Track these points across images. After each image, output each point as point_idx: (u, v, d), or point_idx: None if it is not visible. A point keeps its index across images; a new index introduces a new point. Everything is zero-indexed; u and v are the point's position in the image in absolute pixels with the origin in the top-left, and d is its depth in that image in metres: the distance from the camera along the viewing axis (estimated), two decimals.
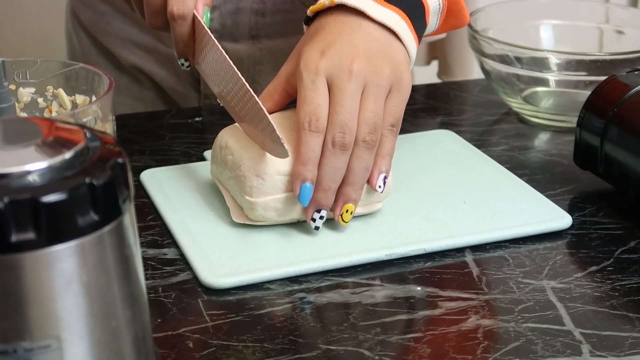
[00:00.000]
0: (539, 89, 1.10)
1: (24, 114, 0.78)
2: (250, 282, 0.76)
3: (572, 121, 1.06)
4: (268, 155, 0.80)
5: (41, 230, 0.51)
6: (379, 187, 0.82)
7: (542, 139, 1.06)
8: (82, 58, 1.19)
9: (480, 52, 1.09)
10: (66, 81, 0.79)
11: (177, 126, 1.06)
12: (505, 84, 1.08)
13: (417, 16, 0.86)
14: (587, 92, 1.05)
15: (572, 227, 0.85)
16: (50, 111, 0.79)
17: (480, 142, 1.02)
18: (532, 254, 0.81)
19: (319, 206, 0.80)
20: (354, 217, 0.83)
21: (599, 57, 1.03)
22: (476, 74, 1.27)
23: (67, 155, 0.53)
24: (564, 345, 0.69)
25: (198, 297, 0.75)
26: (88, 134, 0.56)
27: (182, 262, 0.79)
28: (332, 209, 0.81)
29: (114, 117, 0.74)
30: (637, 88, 0.88)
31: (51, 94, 0.80)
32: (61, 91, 0.79)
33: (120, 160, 0.55)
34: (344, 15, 0.84)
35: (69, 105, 0.79)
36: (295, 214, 0.81)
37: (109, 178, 0.53)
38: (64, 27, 1.25)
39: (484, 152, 0.98)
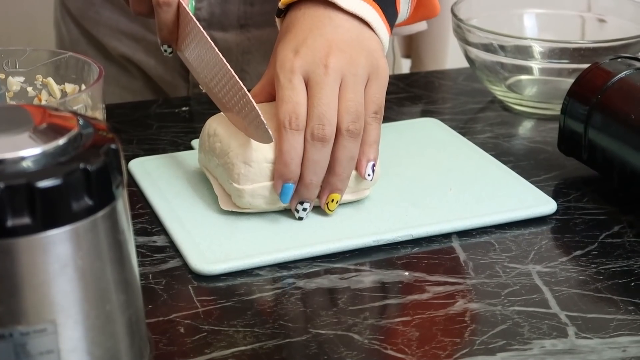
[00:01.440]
0: (523, 77, 1.11)
1: (13, 103, 0.79)
2: (239, 269, 0.77)
3: (555, 109, 1.07)
4: (256, 142, 0.81)
5: (36, 215, 0.51)
6: (368, 175, 0.83)
7: (526, 127, 1.07)
8: (70, 48, 1.19)
9: (465, 41, 1.10)
10: (55, 70, 0.79)
11: (165, 115, 1.06)
12: (490, 72, 1.09)
13: (388, 4, 0.87)
14: (571, 80, 1.06)
15: (556, 212, 0.86)
16: (40, 100, 0.79)
17: (465, 129, 1.03)
18: (518, 239, 0.82)
19: (302, 199, 0.81)
20: (342, 204, 0.84)
21: (582, 45, 1.04)
22: (449, 64, 1.28)
23: (61, 141, 0.54)
24: (550, 327, 0.71)
25: (188, 283, 0.76)
26: (81, 121, 0.56)
27: (172, 249, 0.80)
28: (319, 198, 0.82)
29: (103, 106, 0.75)
30: (620, 75, 0.89)
31: (40, 82, 0.80)
32: (51, 80, 0.79)
33: (113, 146, 0.55)
34: (314, 9, 0.84)
35: (58, 94, 0.79)
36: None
37: (103, 163, 0.54)
38: (52, 17, 1.25)
39: (469, 139, 0.99)
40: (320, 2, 0.84)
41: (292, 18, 0.85)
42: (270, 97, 0.86)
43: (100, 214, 0.54)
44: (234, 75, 0.80)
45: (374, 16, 0.85)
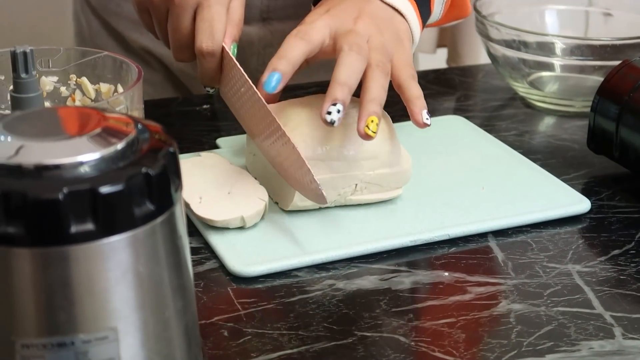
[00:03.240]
0: (545, 73, 1.10)
1: (47, 103, 0.78)
2: (277, 270, 0.76)
3: (577, 105, 1.07)
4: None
5: (99, 221, 0.50)
6: (426, 119, 0.81)
7: (549, 124, 1.06)
8: (90, 40, 1.18)
9: (487, 37, 1.09)
10: (90, 69, 0.78)
11: (186, 114, 1.05)
12: (512, 68, 1.09)
13: (423, 2, 0.87)
14: (593, 77, 1.07)
15: (590, 211, 0.86)
16: (74, 100, 0.78)
17: (489, 127, 1.03)
18: (554, 238, 0.82)
19: (334, 100, 0.79)
20: (375, 203, 0.83)
21: (607, 42, 1.04)
22: (483, 59, 1.28)
23: (119, 145, 0.53)
24: (596, 328, 0.70)
25: (227, 285, 0.75)
26: (138, 124, 0.55)
27: (207, 250, 0.79)
28: (357, 124, 0.79)
29: (142, 106, 0.74)
30: None
31: (74, 82, 0.79)
32: (85, 80, 0.78)
33: (171, 149, 0.54)
34: None
35: (92, 93, 0.78)
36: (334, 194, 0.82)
37: (163, 168, 0.53)
38: (72, 9, 1.24)
39: (495, 137, 0.99)
40: None
41: (330, 0, 0.86)
42: (306, 64, 0.85)
43: (160, 219, 0.53)
44: (285, 134, 0.79)
45: (409, 9, 0.85)
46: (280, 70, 0.80)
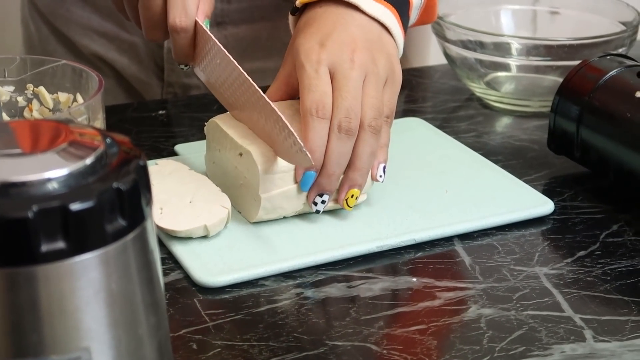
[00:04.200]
0: (501, 74, 1.10)
1: (3, 114, 0.76)
2: (244, 280, 0.75)
3: (534, 105, 1.07)
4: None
5: (70, 239, 0.49)
6: (380, 176, 0.82)
7: (507, 124, 1.06)
8: (39, 47, 1.16)
9: (444, 38, 1.09)
10: (48, 78, 0.76)
11: (142, 120, 1.03)
12: (469, 69, 1.09)
13: (403, 12, 0.87)
14: (549, 77, 1.07)
15: (553, 212, 0.86)
16: (31, 110, 0.76)
17: (448, 128, 1.02)
18: (520, 241, 0.82)
19: (322, 191, 0.80)
20: (339, 210, 0.83)
21: (565, 42, 1.04)
22: (431, 60, 1.28)
23: (88, 160, 0.51)
24: (567, 331, 0.70)
25: (193, 296, 0.74)
26: (106, 137, 0.54)
27: (171, 260, 0.78)
28: (337, 194, 0.81)
29: (104, 115, 0.72)
30: (611, 73, 0.89)
31: (31, 92, 0.77)
32: (42, 89, 0.76)
33: (141, 162, 0.53)
34: (336, 8, 0.84)
35: (50, 103, 0.76)
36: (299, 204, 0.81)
37: (134, 182, 0.51)
38: (19, 15, 1.21)
39: (455, 138, 0.98)
40: (341, 3, 0.84)
41: (312, 15, 0.84)
42: (287, 96, 0.85)
43: (132, 234, 0.52)
44: (263, 97, 0.78)
45: (393, 22, 0.85)
46: (315, 168, 0.79)
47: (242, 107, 0.82)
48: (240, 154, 0.81)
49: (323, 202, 0.80)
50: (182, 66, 0.86)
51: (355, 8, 0.84)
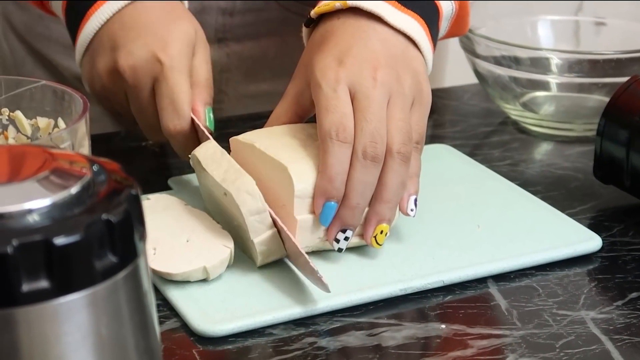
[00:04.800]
0: (539, 93, 1.12)
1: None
2: (249, 328, 0.76)
3: (577, 129, 1.09)
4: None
5: (54, 277, 0.50)
6: (411, 210, 0.83)
7: (548, 151, 1.08)
8: (14, 69, 1.18)
9: (473, 53, 1.11)
10: (26, 101, 0.78)
11: (131, 150, 1.05)
12: (502, 88, 1.10)
13: (432, 22, 0.88)
14: (595, 96, 1.08)
15: (601, 249, 0.87)
16: (6, 137, 0.78)
17: (480, 156, 1.04)
18: (563, 282, 0.83)
19: (344, 225, 0.81)
20: (359, 247, 0.84)
21: (612, 56, 1.05)
22: (449, 79, 1.29)
23: (73, 189, 0.53)
24: None
25: (192, 347, 0.75)
26: (93, 163, 0.55)
27: (166, 307, 0.79)
28: (364, 231, 0.82)
29: (89, 142, 0.74)
30: None
31: (7, 117, 0.79)
32: (19, 114, 0.78)
33: (133, 191, 0.54)
34: (356, 19, 0.85)
35: (28, 130, 0.78)
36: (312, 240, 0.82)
37: (125, 213, 0.53)
38: None
39: (487, 167, 1.00)
40: (362, 13, 0.85)
41: (329, 27, 0.86)
42: (297, 117, 0.87)
43: (124, 272, 0.53)
44: (277, 220, 0.80)
45: (421, 34, 0.86)
46: (335, 198, 0.80)
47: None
48: (225, 194, 0.82)
49: (346, 238, 0.81)
50: (189, 159, 0.89)
51: (378, 19, 0.85)
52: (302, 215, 0.81)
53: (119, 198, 0.53)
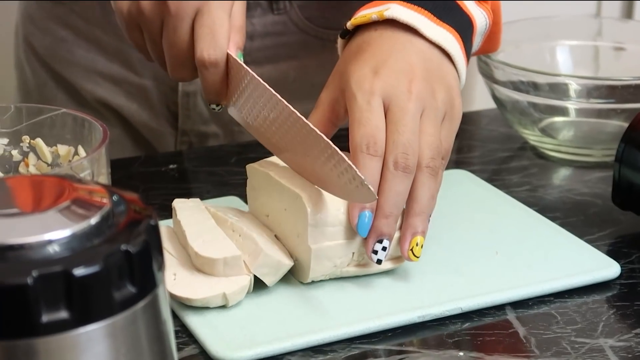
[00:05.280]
0: (558, 118, 1.12)
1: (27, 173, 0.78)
2: (268, 355, 0.76)
3: (596, 154, 1.09)
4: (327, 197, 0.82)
5: (74, 308, 0.50)
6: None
7: (566, 176, 1.08)
8: (36, 93, 1.19)
9: (492, 79, 1.11)
10: (46, 129, 0.78)
11: (150, 175, 1.06)
12: (521, 114, 1.10)
13: (467, 37, 0.89)
14: (614, 122, 1.08)
15: (620, 276, 0.87)
16: (27, 164, 0.78)
17: (499, 182, 1.04)
18: (582, 309, 0.83)
19: (380, 235, 0.81)
20: (375, 275, 0.84)
21: (631, 82, 1.05)
22: (478, 104, 1.29)
23: (93, 219, 0.53)
24: None
25: None
26: (112, 194, 0.56)
27: (185, 333, 0.79)
28: (400, 245, 0.83)
29: (109, 170, 0.74)
30: None
31: (27, 144, 0.80)
32: (40, 141, 0.78)
33: (152, 222, 0.55)
34: (392, 31, 0.86)
35: (49, 157, 0.78)
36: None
37: (144, 244, 0.53)
38: (13, 57, 1.24)
39: (506, 193, 1.00)
40: (399, 25, 0.86)
41: (366, 38, 0.87)
42: (332, 125, 0.87)
43: (143, 302, 0.53)
44: (314, 130, 0.79)
45: (456, 48, 0.87)
46: (370, 207, 0.81)
47: (288, 147, 0.83)
48: (285, 209, 0.83)
49: (384, 248, 0.81)
50: (214, 106, 0.88)
51: (414, 31, 0.86)
52: (316, 244, 0.81)
53: (138, 228, 0.54)
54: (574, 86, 1.10)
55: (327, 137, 0.85)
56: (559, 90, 1.10)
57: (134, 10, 0.88)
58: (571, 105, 1.10)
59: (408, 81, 0.83)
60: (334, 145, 0.78)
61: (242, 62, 0.84)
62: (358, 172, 0.77)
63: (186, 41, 0.86)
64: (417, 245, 0.82)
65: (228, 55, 0.85)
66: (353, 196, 0.80)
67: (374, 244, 0.81)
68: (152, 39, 0.88)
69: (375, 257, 0.82)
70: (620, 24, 1.31)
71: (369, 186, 0.77)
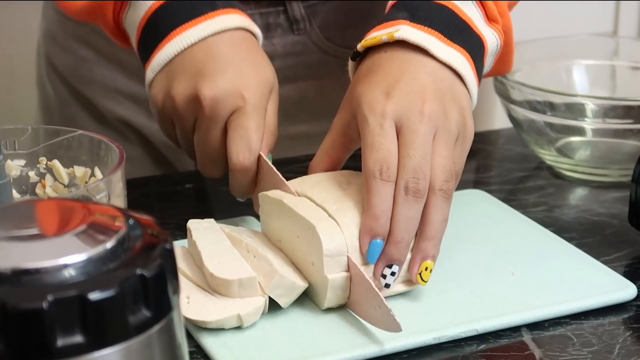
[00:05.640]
0: (574, 138, 1.12)
1: (13, 191, 0.78)
2: None
3: (613, 174, 1.08)
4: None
5: (89, 332, 0.51)
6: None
7: (583, 196, 1.07)
8: (57, 111, 1.19)
9: (508, 99, 1.11)
10: (63, 150, 0.79)
11: (167, 194, 1.06)
12: (537, 134, 1.10)
13: (477, 57, 0.89)
14: (631, 142, 1.08)
15: (636, 297, 0.86)
16: (44, 186, 0.79)
17: (515, 201, 1.04)
18: (598, 331, 0.82)
19: (390, 261, 0.81)
20: (390, 297, 0.84)
21: None
22: (498, 123, 1.29)
23: (109, 244, 0.53)
24: None
25: None
26: (128, 218, 0.56)
27: (200, 354, 0.79)
28: (409, 268, 0.83)
29: (125, 193, 0.74)
30: None
31: (44, 166, 0.80)
32: (56, 163, 0.79)
33: (167, 246, 0.55)
34: (403, 52, 0.86)
35: (65, 178, 0.79)
36: None
37: (159, 268, 0.53)
38: (35, 75, 1.25)
39: (522, 213, 1.00)
40: (409, 46, 0.86)
41: (377, 60, 0.87)
42: (345, 149, 0.88)
43: (158, 326, 0.53)
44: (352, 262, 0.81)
45: (467, 68, 0.87)
46: (380, 235, 0.81)
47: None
48: (298, 236, 0.83)
49: (393, 273, 0.81)
50: (240, 198, 0.91)
51: (425, 53, 0.86)
52: (332, 274, 0.81)
53: (153, 253, 0.54)
54: (590, 106, 1.09)
55: (341, 162, 0.86)
56: (575, 110, 1.10)
57: (168, 105, 0.90)
58: (588, 125, 1.10)
59: (420, 102, 0.83)
60: (369, 279, 0.79)
61: (271, 164, 0.88)
62: (384, 302, 0.78)
63: (218, 142, 0.89)
64: (425, 269, 0.82)
65: (259, 157, 0.88)
66: (378, 322, 0.79)
67: (383, 269, 0.81)
68: (184, 133, 0.91)
69: (383, 282, 0.82)
70: (637, 43, 1.30)
71: (395, 317, 0.77)
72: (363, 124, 0.83)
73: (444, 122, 0.84)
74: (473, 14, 0.90)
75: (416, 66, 0.86)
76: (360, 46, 0.88)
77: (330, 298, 0.81)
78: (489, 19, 0.91)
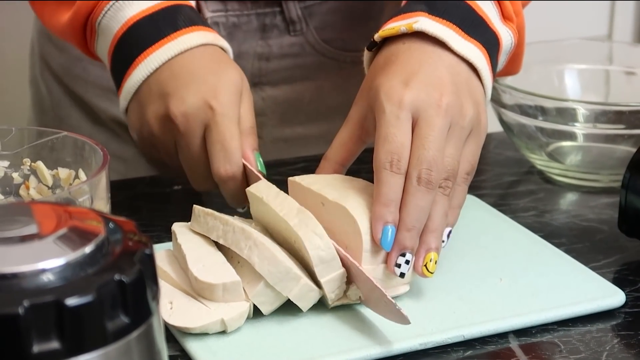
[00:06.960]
0: (565, 143, 1.11)
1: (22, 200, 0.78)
2: None
3: (604, 180, 1.08)
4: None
5: (66, 338, 0.50)
6: (442, 241, 0.84)
7: (573, 201, 1.07)
8: (51, 110, 1.19)
9: (499, 103, 1.10)
10: (47, 152, 0.78)
11: (155, 196, 1.05)
12: (528, 138, 1.10)
13: (493, 54, 0.89)
14: (622, 147, 1.08)
15: (625, 304, 0.86)
16: (28, 187, 0.78)
17: (505, 206, 1.03)
18: (585, 338, 0.82)
19: (403, 249, 0.81)
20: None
21: (639, 108, 1.05)
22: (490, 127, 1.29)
23: (87, 248, 0.53)
24: None
25: None
26: (108, 222, 0.55)
27: (184, 358, 0.79)
28: (415, 260, 0.83)
29: (109, 195, 0.74)
30: None
31: (28, 167, 0.79)
32: (40, 164, 0.78)
33: (147, 251, 0.54)
34: (421, 44, 0.86)
35: (49, 180, 0.78)
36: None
37: (138, 273, 0.53)
38: (28, 75, 1.25)
39: (511, 218, 0.99)
40: (427, 38, 0.87)
41: (394, 50, 0.87)
42: (361, 142, 0.88)
43: (136, 332, 0.53)
44: (346, 255, 0.81)
45: (483, 63, 0.87)
46: (392, 221, 0.81)
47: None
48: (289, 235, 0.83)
49: (407, 262, 0.81)
50: (240, 209, 0.91)
51: (443, 46, 0.86)
52: (326, 277, 0.81)
53: (132, 258, 0.53)
54: (581, 111, 1.09)
55: (356, 154, 0.87)
56: (566, 114, 1.09)
57: (145, 130, 0.91)
58: (579, 130, 1.09)
59: (438, 95, 0.83)
60: (371, 278, 0.80)
61: (259, 166, 0.89)
62: (389, 297, 0.78)
63: (201, 157, 0.89)
64: (430, 261, 0.82)
65: (244, 165, 0.88)
66: (385, 314, 0.80)
67: (397, 258, 0.81)
68: (168, 155, 0.92)
69: (398, 271, 0.82)
70: (631, 48, 1.30)
71: (401, 310, 0.78)
72: (380, 114, 0.83)
73: (459, 118, 0.84)
74: (489, 11, 0.90)
75: (434, 58, 0.86)
76: (377, 36, 0.88)
77: (331, 297, 0.82)
78: (505, 17, 0.91)
